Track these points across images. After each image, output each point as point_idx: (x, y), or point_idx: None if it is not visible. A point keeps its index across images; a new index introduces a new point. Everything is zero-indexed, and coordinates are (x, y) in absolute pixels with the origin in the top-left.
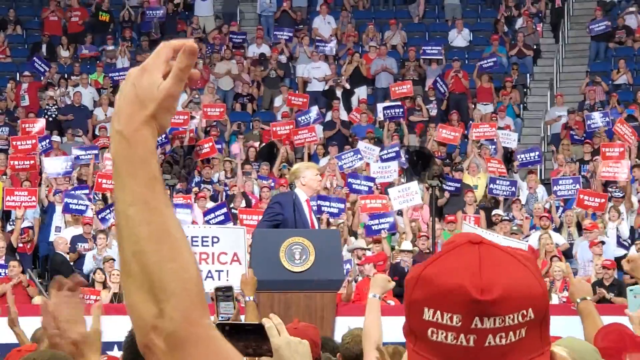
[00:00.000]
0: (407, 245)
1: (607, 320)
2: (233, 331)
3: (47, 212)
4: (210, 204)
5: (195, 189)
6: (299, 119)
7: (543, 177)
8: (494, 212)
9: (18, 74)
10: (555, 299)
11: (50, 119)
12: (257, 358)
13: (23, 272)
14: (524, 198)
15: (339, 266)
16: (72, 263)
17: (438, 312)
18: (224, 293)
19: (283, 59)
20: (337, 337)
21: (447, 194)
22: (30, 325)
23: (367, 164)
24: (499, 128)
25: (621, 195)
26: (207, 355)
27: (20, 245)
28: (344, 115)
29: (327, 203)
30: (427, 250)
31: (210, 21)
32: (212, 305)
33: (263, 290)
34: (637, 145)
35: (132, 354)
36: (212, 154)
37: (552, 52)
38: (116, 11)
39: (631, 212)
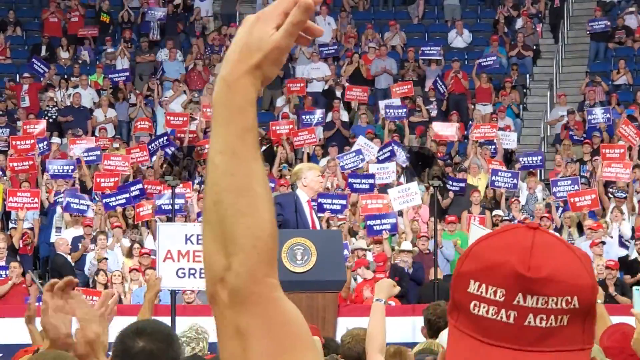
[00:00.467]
0: (406, 245)
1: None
2: None
3: (47, 213)
4: None
5: (197, 187)
6: (303, 117)
7: (543, 178)
8: (494, 212)
9: (18, 75)
10: None
11: (51, 120)
12: None
13: (23, 273)
14: (524, 199)
15: (341, 267)
16: (73, 264)
17: (483, 285)
18: None
19: None
20: (339, 338)
21: (451, 194)
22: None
23: (367, 163)
24: (499, 129)
25: (624, 195)
26: (266, 314)
27: (21, 246)
28: (344, 116)
29: (329, 200)
30: (427, 251)
31: (210, 22)
32: None
33: None
34: (639, 145)
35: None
36: None
37: (552, 52)
38: (115, 12)
39: (633, 212)
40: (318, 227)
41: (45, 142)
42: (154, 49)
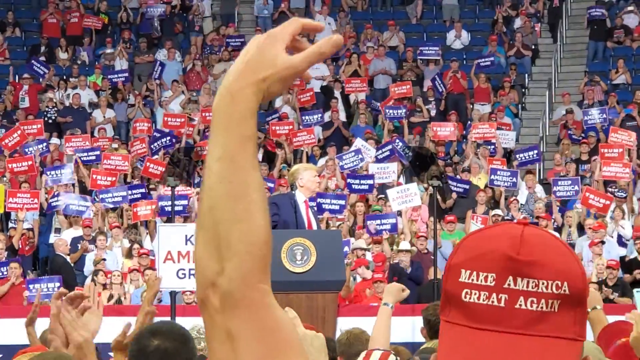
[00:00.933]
0: (405, 245)
1: (610, 320)
2: None
3: (46, 214)
4: None
5: (197, 189)
6: (304, 117)
7: (542, 177)
8: (493, 212)
9: (17, 76)
10: None
11: (50, 121)
12: None
13: (23, 274)
14: (523, 198)
15: (341, 267)
16: (72, 264)
17: (474, 273)
18: None
19: None
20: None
21: (454, 195)
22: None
23: (366, 163)
24: (498, 128)
25: (624, 195)
26: (258, 319)
27: (21, 247)
28: (342, 116)
29: (328, 200)
30: (425, 251)
31: (208, 22)
32: None
33: None
34: (637, 145)
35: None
36: None
37: (551, 52)
38: (114, 13)
39: (632, 212)
40: (314, 228)
41: (45, 144)
42: (153, 50)
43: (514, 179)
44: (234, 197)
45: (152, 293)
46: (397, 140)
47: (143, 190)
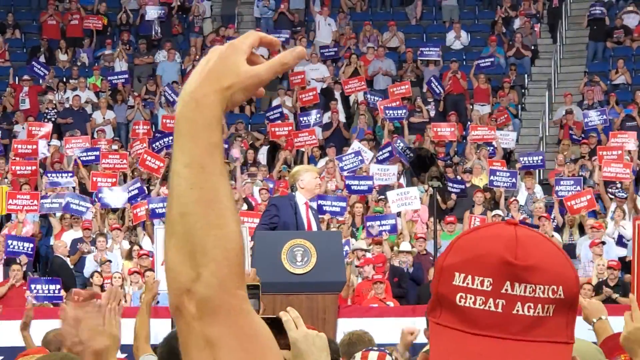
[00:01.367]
0: (406, 246)
1: (612, 320)
2: None
3: (47, 215)
4: None
5: None
6: (301, 119)
7: (542, 177)
8: (493, 212)
9: (17, 78)
10: None
11: (50, 122)
12: None
13: (24, 275)
14: (523, 199)
15: (341, 268)
16: (72, 266)
17: (469, 277)
18: (251, 291)
19: None
20: (339, 339)
21: (454, 196)
22: (34, 328)
23: (366, 165)
24: (499, 128)
25: (625, 195)
26: (235, 326)
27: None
28: (342, 117)
29: (329, 202)
30: (424, 252)
31: (208, 23)
32: None
33: (264, 292)
34: (637, 146)
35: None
36: None
37: (550, 52)
38: (113, 14)
39: (634, 212)
40: (315, 229)
41: (46, 146)
42: (152, 51)
43: (514, 180)
44: (206, 204)
45: (150, 295)
46: (398, 141)
47: (139, 184)
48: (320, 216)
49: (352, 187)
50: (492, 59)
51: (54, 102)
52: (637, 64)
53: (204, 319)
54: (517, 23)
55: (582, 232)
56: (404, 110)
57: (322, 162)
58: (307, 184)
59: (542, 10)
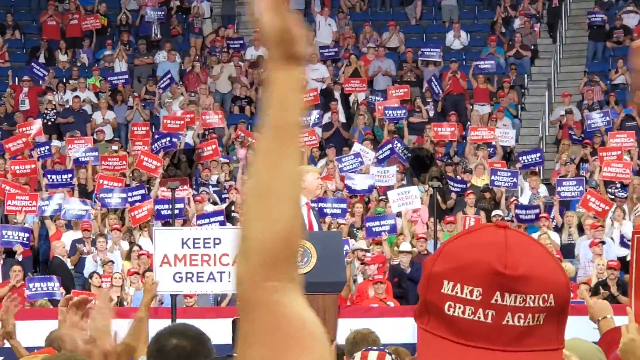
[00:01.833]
0: (406, 246)
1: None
2: None
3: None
4: (209, 207)
5: (204, 189)
6: None
7: (542, 178)
8: (493, 212)
9: (17, 79)
10: None
11: (49, 123)
12: None
13: (24, 277)
14: (527, 199)
15: (341, 268)
16: (72, 267)
17: (458, 285)
18: None
19: None
20: (339, 339)
21: (453, 195)
22: (34, 329)
23: (366, 166)
24: (497, 128)
25: (625, 195)
26: (261, 320)
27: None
28: (342, 117)
29: (329, 204)
30: (425, 252)
31: (207, 24)
32: None
33: None
34: (637, 146)
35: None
36: (215, 157)
37: (550, 52)
38: (113, 15)
39: (634, 212)
40: (316, 230)
41: (47, 147)
42: (152, 52)
43: (515, 179)
44: (257, 194)
45: (149, 297)
46: (397, 142)
47: (143, 191)
48: (322, 218)
49: (352, 187)
50: (491, 61)
51: (54, 102)
52: None
53: (242, 316)
54: (516, 23)
55: (581, 231)
56: (403, 111)
57: (321, 162)
58: (308, 185)
59: (542, 10)
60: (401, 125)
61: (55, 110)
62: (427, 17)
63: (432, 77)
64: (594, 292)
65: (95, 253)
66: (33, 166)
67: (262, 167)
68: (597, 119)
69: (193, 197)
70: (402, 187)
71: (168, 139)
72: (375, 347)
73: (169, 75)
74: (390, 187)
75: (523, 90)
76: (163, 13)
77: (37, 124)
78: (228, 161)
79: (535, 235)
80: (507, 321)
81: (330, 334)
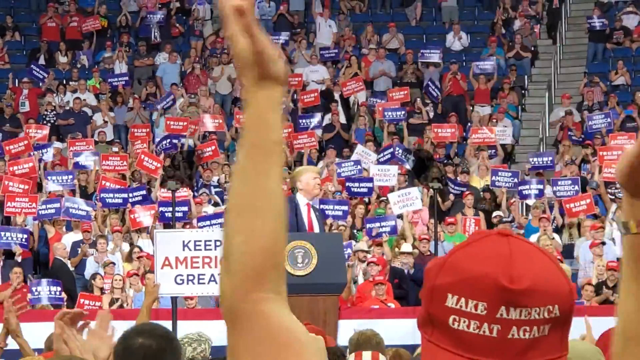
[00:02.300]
0: (406, 247)
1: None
2: None
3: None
4: (210, 209)
5: (204, 191)
6: (300, 120)
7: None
8: (494, 213)
9: (17, 80)
10: None
11: (49, 124)
12: None
13: (25, 279)
14: (532, 201)
15: (342, 270)
16: (72, 268)
17: (463, 299)
18: None
19: None
20: (340, 341)
21: (451, 197)
22: (34, 330)
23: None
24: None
25: None
26: (248, 332)
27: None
28: (342, 118)
29: (331, 207)
30: (428, 253)
31: (208, 25)
32: None
33: None
34: None
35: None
36: (215, 157)
37: (550, 53)
38: (113, 16)
39: None
40: (317, 230)
41: (47, 149)
42: (152, 53)
43: (515, 180)
44: (238, 211)
45: (151, 299)
46: (397, 147)
47: (144, 192)
48: (324, 220)
49: (352, 189)
50: (491, 63)
51: (53, 104)
52: (636, 64)
53: (230, 330)
54: (516, 24)
55: (581, 232)
56: (403, 112)
57: (321, 164)
58: (305, 185)
59: (542, 11)
60: (401, 126)
61: (54, 112)
62: (427, 18)
63: (429, 82)
64: (597, 292)
65: (96, 255)
66: (31, 165)
67: (240, 185)
68: (598, 120)
69: (193, 199)
70: (403, 188)
71: (168, 140)
72: (369, 349)
73: (172, 97)
74: (391, 189)
75: (523, 92)
76: (162, 16)
77: (45, 130)
78: (229, 163)
79: (535, 236)
80: (513, 335)
81: (331, 335)
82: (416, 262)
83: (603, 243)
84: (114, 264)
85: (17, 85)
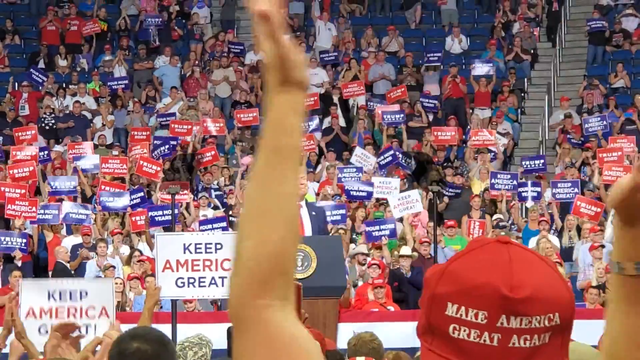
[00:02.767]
0: (406, 250)
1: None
2: None
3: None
4: (208, 212)
5: (203, 194)
6: None
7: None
8: (494, 217)
9: (17, 84)
10: None
11: (47, 127)
12: None
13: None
14: (531, 203)
15: (341, 273)
16: (72, 271)
17: (463, 308)
18: None
19: None
20: (339, 343)
21: (445, 199)
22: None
23: (367, 174)
24: (497, 133)
25: None
26: (252, 339)
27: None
28: (342, 121)
29: (329, 212)
30: (429, 256)
31: (208, 29)
32: None
33: None
34: (636, 150)
35: None
36: (215, 162)
37: (550, 56)
38: (112, 20)
39: None
40: (309, 232)
41: (47, 152)
42: (152, 56)
43: (515, 182)
44: (250, 217)
45: (152, 302)
46: (397, 152)
47: (142, 194)
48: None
49: (352, 193)
50: (490, 65)
51: (52, 107)
52: (636, 67)
53: (236, 335)
54: (516, 27)
55: (581, 235)
56: (402, 115)
57: (319, 167)
58: None
59: (542, 14)
60: (400, 130)
61: (53, 115)
62: (427, 21)
63: (421, 99)
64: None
65: (97, 258)
66: (31, 169)
67: (255, 190)
68: (594, 123)
69: (193, 202)
70: (402, 191)
71: (167, 146)
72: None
73: (173, 118)
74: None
75: (523, 94)
76: (160, 20)
77: (33, 130)
78: (228, 166)
79: (534, 239)
80: (513, 344)
81: (330, 338)
82: (415, 265)
83: (602, 246)
84: (114, 267)
85: (16, 89)
